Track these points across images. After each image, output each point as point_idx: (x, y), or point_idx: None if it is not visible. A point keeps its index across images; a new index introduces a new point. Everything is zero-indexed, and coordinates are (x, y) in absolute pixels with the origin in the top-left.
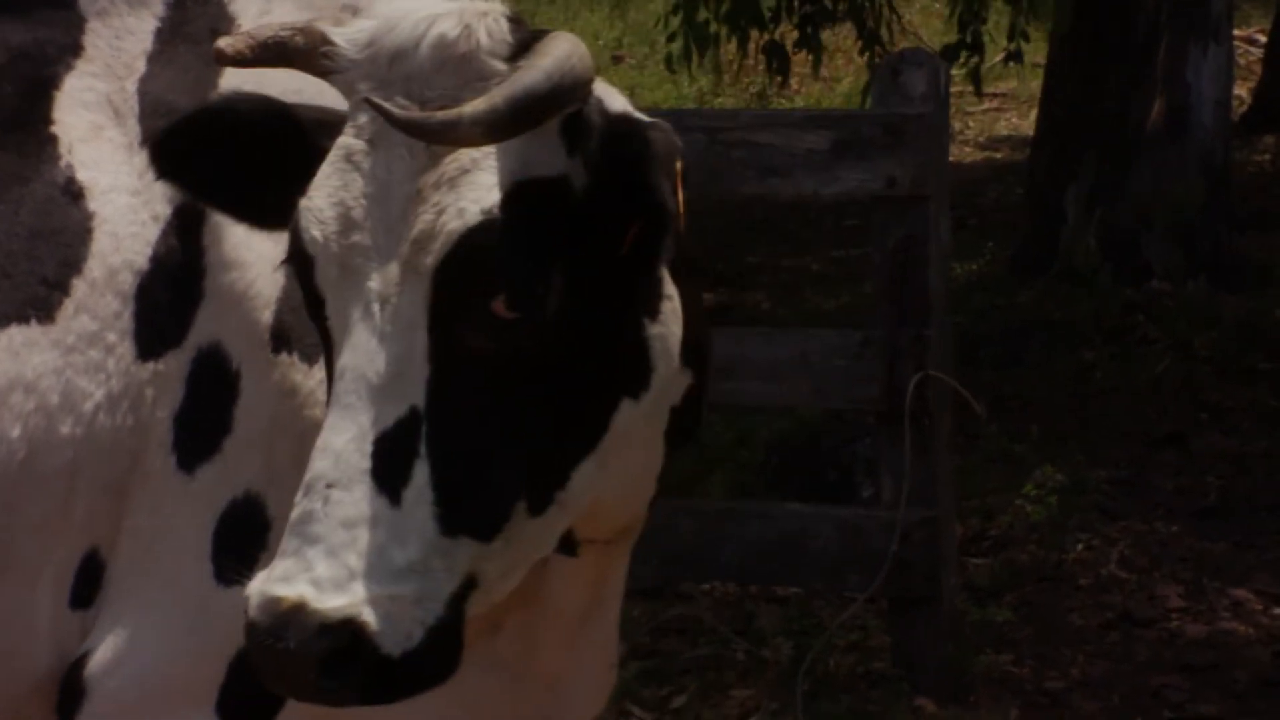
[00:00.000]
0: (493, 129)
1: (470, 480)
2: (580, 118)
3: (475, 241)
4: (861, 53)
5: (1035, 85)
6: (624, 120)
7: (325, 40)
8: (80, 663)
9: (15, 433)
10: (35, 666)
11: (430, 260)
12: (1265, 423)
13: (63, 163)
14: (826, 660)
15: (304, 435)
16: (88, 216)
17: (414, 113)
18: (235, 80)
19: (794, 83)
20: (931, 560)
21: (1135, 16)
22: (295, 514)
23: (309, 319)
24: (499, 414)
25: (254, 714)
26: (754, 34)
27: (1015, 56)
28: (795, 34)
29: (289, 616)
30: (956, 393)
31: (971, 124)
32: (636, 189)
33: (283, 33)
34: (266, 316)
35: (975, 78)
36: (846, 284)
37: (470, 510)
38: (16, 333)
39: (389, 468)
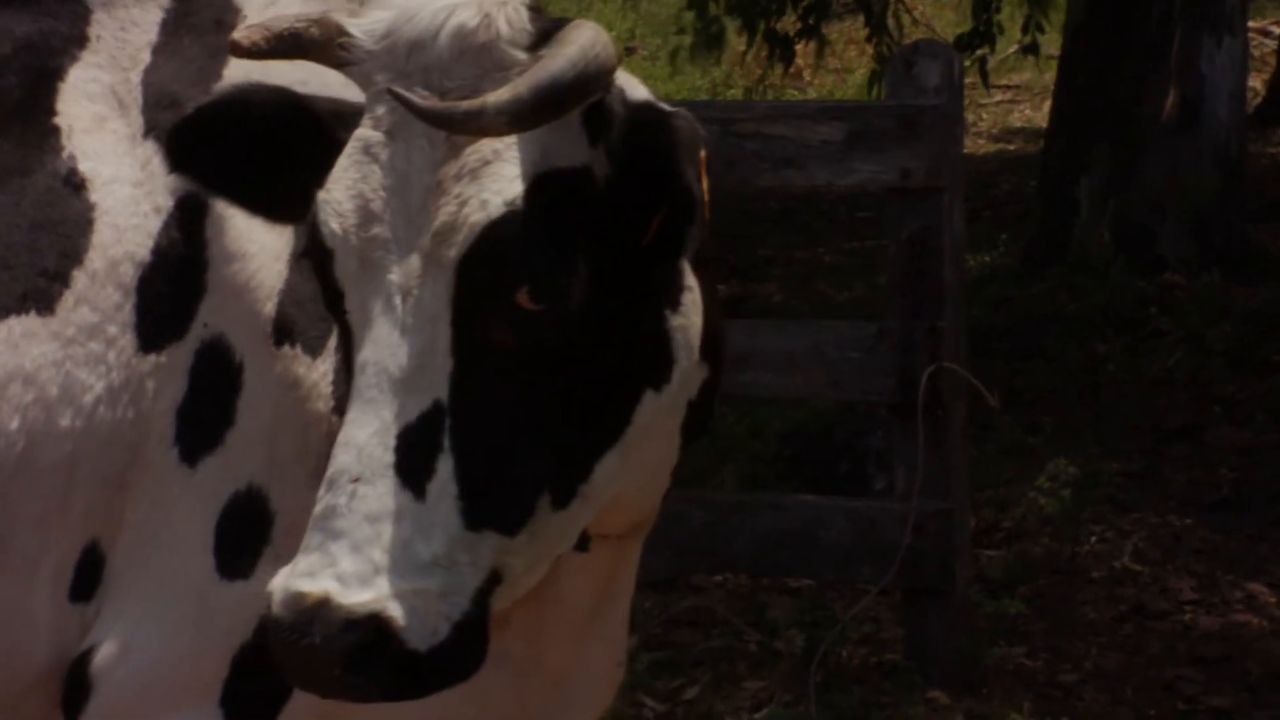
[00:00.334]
0: (517, 118)
1: (494, 474)
2: (602, 107)
3: (498, 233)
4: (868, 39)
5: (1049, 77)
6: (647, 109)
7: (341, 31)
8: (85, 658)
9: (14, 425)
10: (34, 660)
11: (453, 252)
12: (1279, 415)
13: (65, 154)
14: (839, 652)
15: (307, 428)
16: (89, 208)
17: (437, 103)
18: (241, 71)
19: (806, 74)
20: (944, 552)
21: (1149, 8)
22: (318, 509)
23: (328, 312)
24: (522, 406)
25: (258, 708)
26: (760, 25)
27: (1031, 48)
28: (798, 24)
29: (314, 612)
30: (970, 384)
31: (985, 116)
32: (662, 178)
33: (298, 24)
34: (269, 309)
35: (982, 70)
36: (860, 276)
37: (494, 504)
38: (16, 324)
39: (413, 461)
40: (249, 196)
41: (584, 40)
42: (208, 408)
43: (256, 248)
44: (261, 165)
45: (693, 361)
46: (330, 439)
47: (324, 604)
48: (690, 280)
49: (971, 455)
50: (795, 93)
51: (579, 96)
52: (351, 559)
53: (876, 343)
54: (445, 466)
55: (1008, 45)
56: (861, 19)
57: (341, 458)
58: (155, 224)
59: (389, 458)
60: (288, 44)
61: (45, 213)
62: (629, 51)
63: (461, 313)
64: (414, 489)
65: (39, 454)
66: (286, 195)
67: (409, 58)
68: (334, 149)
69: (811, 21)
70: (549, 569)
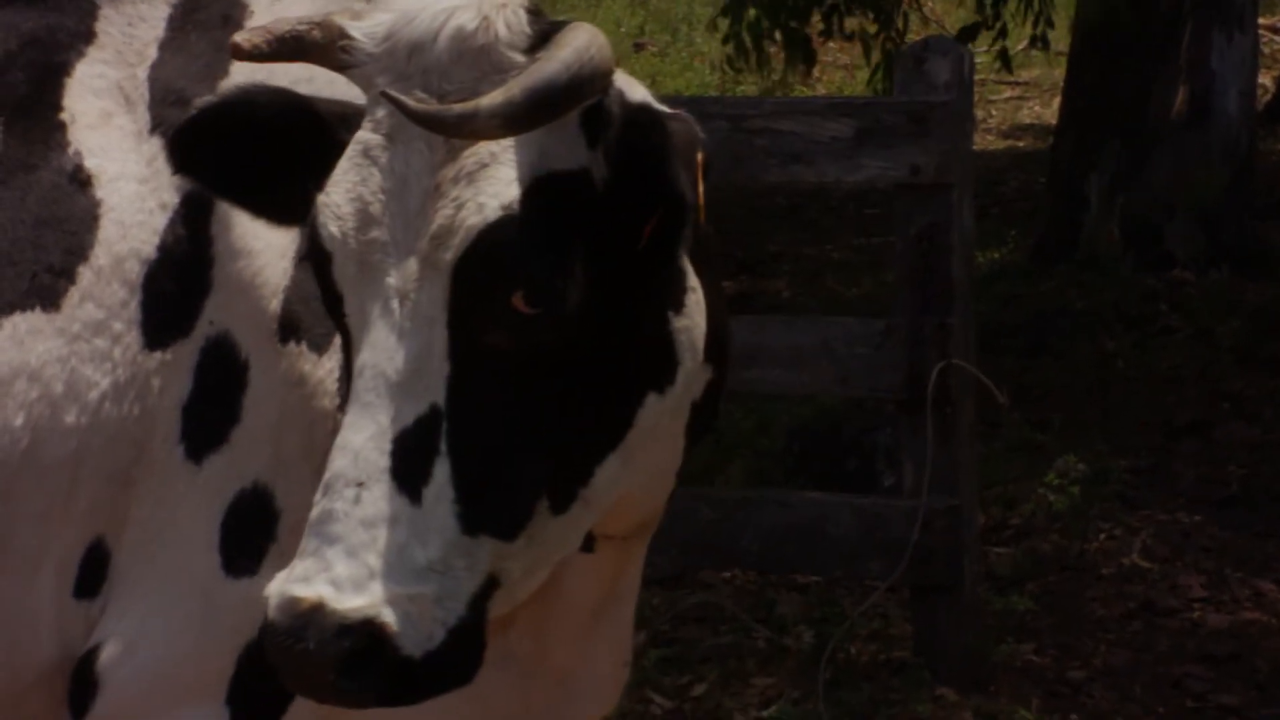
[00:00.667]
0: (511, 121)
1: (492, 478)
2: (601, 109)
3: (494, 237)
4: (875, 35)
5: (1058, 73)
6: (643, 111)
7: (343, 34)
8: (91, 655)
9: (18, 421)
10: (38, 657)
11: (449, 256)
12: None
13: (71, 150)
14: (847, 648)
15: (312, 425)
16: (95, 204)
17: (431, 106)
18: (247, 67)
19: (815, 70)
20: (953, 549)
21: (1159, 4)
22: (315, 513)
23: (328, 315)
24: (520, 411)
25: (264, 706)
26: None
27: (1041, 41)
28: (821, 24)
29: (308, 617)
30: (978, 381)
31: (994, 112)
32: (654, 180)
33: (300, 27)
34: (274, 306)
35: (1004, 57)
36: (868, 272)
37: (492, 508)
38: (21, 320)
39: (409, 466)
40: (252, 197)
41: (579, 43)
42: (213, 405)
43: (262, 245)
44: (265, 166)
45: (697, 363)
46: (335, 436)
47: (318, 609)
48: (693, 281)
49: (980, 452)
50: (804, 89)
51: (573, 100)
52: (346, 564)
53: (885, 339)
54: (442, 471)
55: (1017, 41)
56: (870, 16)
57: (338, 462)
58: (161, 220)
59: (385, 462)
60: (289, 46)
61: (51, 209)
62: (638, 48)
63: (458, 316)
64: (410, 493)
65: (44, 450)
66: (290, 196)
67: (409, 60)
68: (337, 150)
69: (835, 20)
70: (551, 572)
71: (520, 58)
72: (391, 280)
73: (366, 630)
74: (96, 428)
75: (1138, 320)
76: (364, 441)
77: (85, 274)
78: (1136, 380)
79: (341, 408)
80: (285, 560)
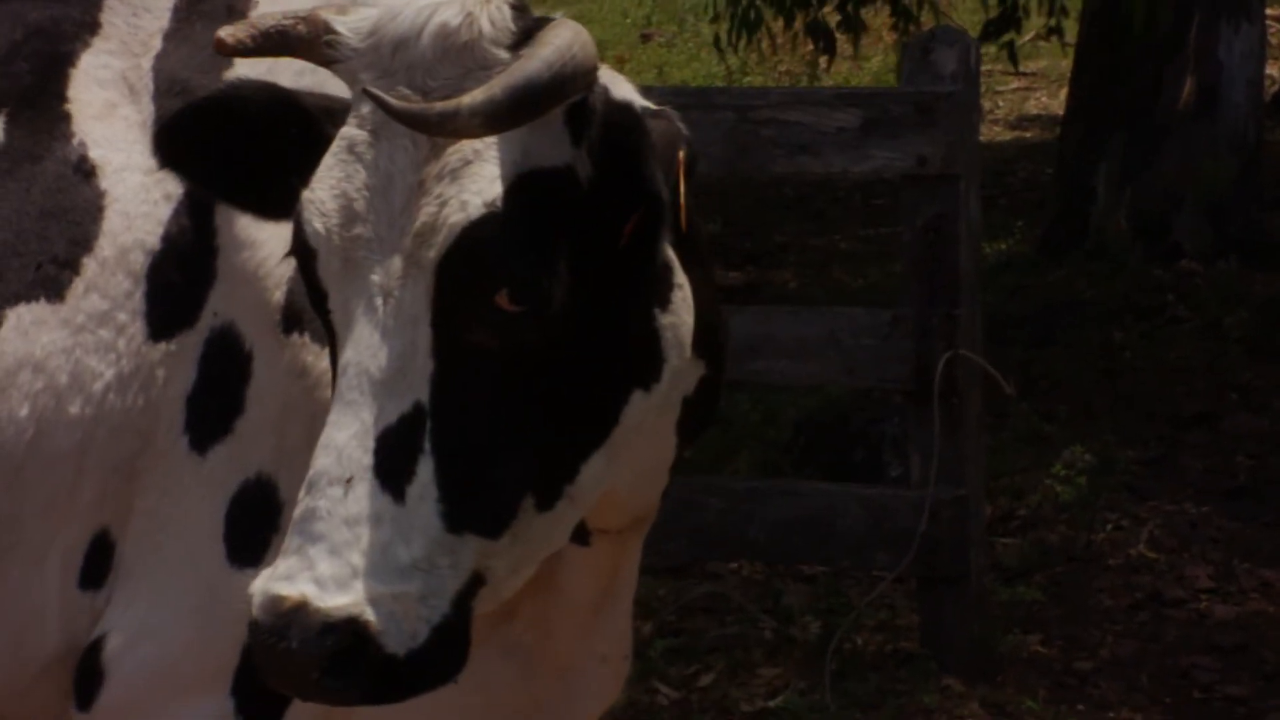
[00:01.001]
0: (492, 120)
1: (476, 476)
2: (585, 107)
3: (477, 234)
4: (894, 29)
5: (1065, 64)
6: (623, 109)
7: (328, 29)
8: (97, 646)
9: (23, 412)
10: (44, 647)
11: (432, 254)
12: None
13: (75, 140)
14: (854, 639)
15: (315, 416)
16: (99, 195)
17: (413, 104)
18: (251, 60)
19: (823, 61)
20: (960, 540)
21: None
22: (298, 511)
23: (313, 312)
24: (504, 409)
25: (269, 697)
26: (799, 16)
27: (1056, 32)
28: (837, 15)
29: (291, 616)
30: (986, 372)
31: (1001, 103)
32: (633, 179)
33: (285, 21)
34: (278, 297)
35: (1011, 53)
36: (875, 263)
37: (476, 506)
38: (26, 311)
39: (393, 464)
40: (240, 193)
41: (561, 41)
42: (217, 396)
43: (266, 235)
44: (252, 162)
45: (684, 360)
46: None
47: (301, 608)
48: (680, 278)
49: (987, 443)
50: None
51: (555, 98)
52: (329, 562)
53: (892, 330)
54: (425, 469)
55: (1026, 31)
56: (879, 5)
57: (321, 460)
58: (165, 211)
59: (369, 460)
60: (274, 42)
61: (55, 200)
62: (645, 38)
63: (442, 314)
64: (393, 492)
65: (49, 441)
66: (277, 192)
67: (393, 56)
68: (323, 145)
69: (850, 10)
70: (546, 563)
71: (504, 54)
72: (375, 277)
73: (350, 629)
74: (101, 419)
75: (1145, 311)
76: (347, 439)
77: (90, 265)
78: (1144, 371)
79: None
80: None
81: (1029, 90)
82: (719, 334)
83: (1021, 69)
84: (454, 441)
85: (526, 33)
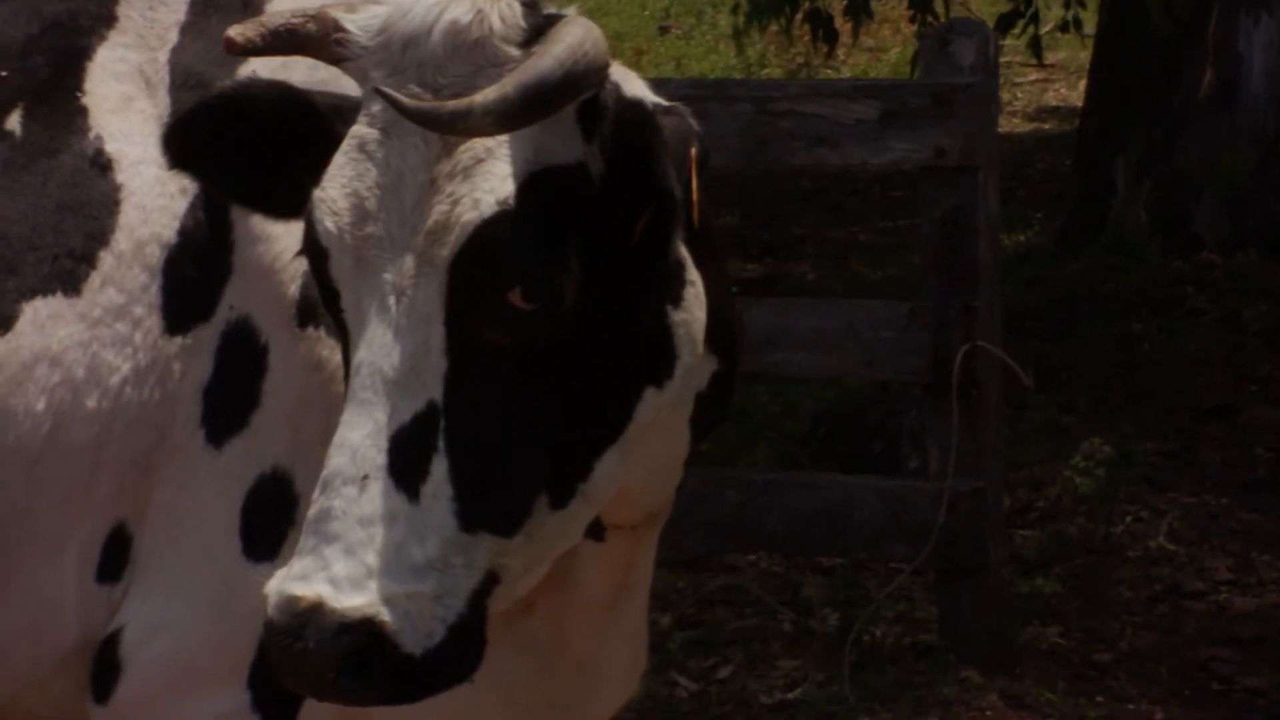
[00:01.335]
0: (504, 118)
1: (490, 475)
2: (597, 104)
3: (490, 233)
4: (912, 21)
5: (1084, 56)
6: (635, 106)
7: (337, 27)
8: (113, 639)
9: (40, 406)
10: (61, 640)
11: (445, 252)
12: None
13: (92, 134)
14: (873, 631)
15: (330, 411)
16: (115, 189)
17: (425, 102)
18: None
19: (840, 53)
20: (978, 532)
21: None
22: (313, 511)
23: (325, 312)
24: (518, 407)
25: (286, 691)
26: (804, 3)
27: (1074, 24)
28: (843, 3)
29: (307, 616)
30: (1004, 364)
31: (1020, 95)
32: (645, 176)
33: (294, 19)
34: (293, 290)
35: (1035, 46)
36: (894, 255)
37: (490, 505)
38: (42, 305)
39: (407, 463)
40: (250, 192)
41: (573, 38)
42: (233, 389)
43: (281, 229)
44: (262, 161)
45: (696, 356)
46: None
47: (317, 608)
48: (692, 275)
49: (1006, 435)
50: (830, 72)
51: (568, 96)
52: (345, 562)
53: (910, 322)
54: (439, 468)
55: (1044, 23)
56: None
57: (335, 460)
58: (181, 205)
59: (383, 459)
60: (283, 40)
61: (72, 194)
62: (663, 30)
63: (455, 313)
64: (408, 491)
65: (66, 435)
66: (287, 190)
67: (403, 53)
68: (335, 144)
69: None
70: (561, 559)
71: (515, 51)
72: (388, 276)
73: (366, 629)
74: (118, 412)
75: (1164, 303)
76: (361, 439)
77: (106, 259)
78: (1163, 363)
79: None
80: None
81: (1048, 82)
82: (732, 329)
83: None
84: (468, 440)
85: (537, 30)
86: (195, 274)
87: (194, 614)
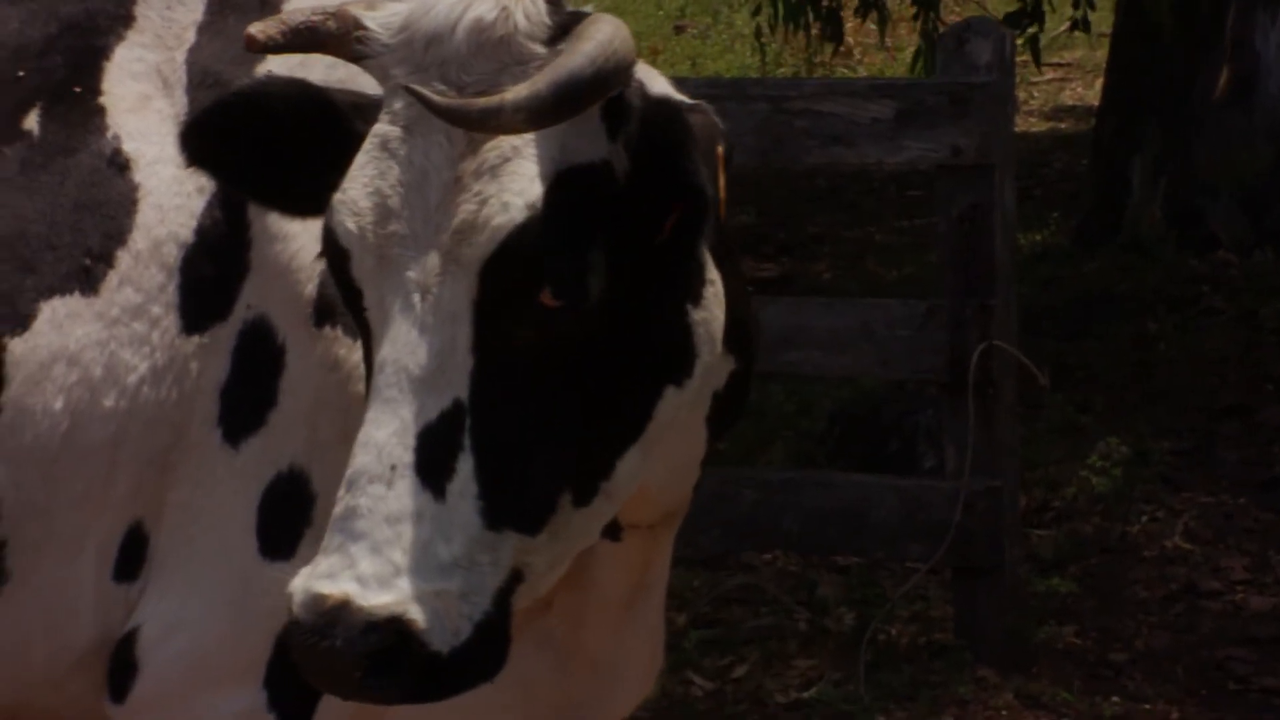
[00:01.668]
0: (536, 116)
1: (514, 473)
2: (622, 101)
3: (520, 234)
4: (915, 19)
5: (1100, 55)
6: (663, 104)
7: (358, 25)
8: (130, 638)
9: (58, 405)
10: (78, 639)
11: (473, 252)
12: None
13: (109, 134)
14: (889, 630)
15: (347, 409)
16: (133, 188)
17: (454, 100)
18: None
19: (857, 52)
20: (994, 531)
21: None
22: (338, 509)
23: (347, 312)
24: (543, 405)
25: (302, 689)
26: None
27: (1083, 24)
28: (855, 1)
29: (334, 614)
30: (1020, 363)
31: (1036, 94)
32: (675, 174)
33: (314, 17)
34: (310, 289)
35: (1034, 48)
36: (910, 254)
37: (515, 503)
38: (60, 305)
39: (432, 462)
40: (268, 191)
41: (603, 36)
42: (250, 388)
43: (299, 228)
44: (280, 159)
45: (715, 355)
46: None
47: (344, 606)
48: (712, 273)
49: (1021, 434)
50: (846, 71)
51: (598, 93)
52: (371, 560)
53: (926, 321)
54: (465, 466)
55: (1059, 23)
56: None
57: (361, 458)
58: (198, 204)
59: (409, 457)
60: (304, 38)
61: (89, 193)
62: (679, 30)
63: (482, 311)
64: (434, 489)
65: (83, 434)
66: (306, 189)
67: (426, 51)
68: (354, 142)
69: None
70: (578, 558)
71: (540, 49)
72: (412, 274)
73: (393, 627)
74: (135, 411)
75: (1181, 302)
76: (387, 437)
77: (124, 258)
78: (1179, 362)
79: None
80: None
81: (1064, 81)
82: (748, 328)
83: (1056, 60)
84: (493, 438)
85: (563, 27)
86: (212, 273)
87: (211, 613)
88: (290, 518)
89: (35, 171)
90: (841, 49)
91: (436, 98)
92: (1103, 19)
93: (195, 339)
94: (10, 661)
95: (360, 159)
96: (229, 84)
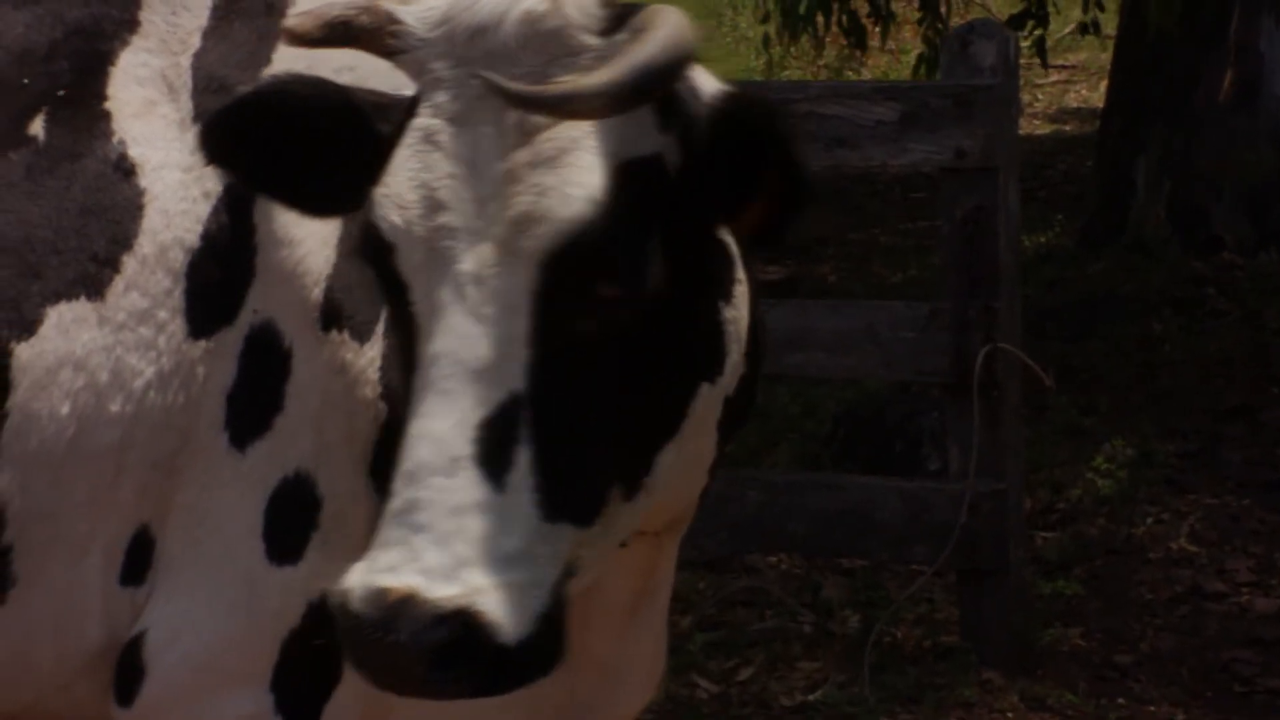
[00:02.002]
0: (615, 101)
1: (570, 465)
2: (674, 94)
3: (582, 225)
4: (920, 23)
5: (1105, 57)
6: (739, 97)
7: (391, 19)
8: (137, 642)
9: (64, 410)
10: (86, 643)
11: (533, 243)
12: None
13: (115, 138)
14: (894, 632)
15: (353, 414)
16: (139, 193)
17: (530, 87)
18: (289, 55)
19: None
20: (999, 533)
21: None
22: (397, 503)
23: (390, 309)
24: (595, 397)
25: (308, 693)
26: (834, 8)
27: (1093, 27)
28: (865, 6)
29: (399, 608)
30: (1025, 365)
31: (1041, 96)
32: (778, 163)
33: (348, 11)
34: (317, 294)
35: (1041, 49)
36: (914, 256)
37: (571, 496)
38: (66, 309)
39: (492, 454)
40: (287, 190)
41: (674, 25)
42: (257, 393)
43: (305, 233)
44: (299, 158)
45: (741, 355)
46: (378, 425)
47: (410, 600)
48: (741, 273)
49: (1026, 436)
50: (850, 73)
51: (671, 81)
52: (436, 553)
53: (930, 323)
54: (524, 458)
55: (1064, 25)
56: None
57: (420, 450)
58: (205, 209)
59: (469, 450)
60: (338, 32)
61: (95, 198)
62: None
63: (540, 303)
64: (495, 481)
65: (89, 439)
66: (325, 189)
67: (470, 43)
68: (374, 142)
69: (881, 2)
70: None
71: (593, 40)
72: (465, 267)
73: (461, 620)
74: (141, 416)
75: (1185, 303)
76: (447, 429)
77: (130, 263)
78: (1184, 364)
79: (385, 394)
80: (328, 548)
81: (1068, 83)
82: (757, 332)
83: (1061, 62)
84: (550, 431)
85: (616, 19)
86: (218, 278)
87: (217, 617)
88: (297, 521)
89: (41, 177)
90: (856, 53)
91: (512, 85)
92: (1108, 21)
93: (201, 344)
94: (17, 665)
95: (402, 154)
96: (234, 88)
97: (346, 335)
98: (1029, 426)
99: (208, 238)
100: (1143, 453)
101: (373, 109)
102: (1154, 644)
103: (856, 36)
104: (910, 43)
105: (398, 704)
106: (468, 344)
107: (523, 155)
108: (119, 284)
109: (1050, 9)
